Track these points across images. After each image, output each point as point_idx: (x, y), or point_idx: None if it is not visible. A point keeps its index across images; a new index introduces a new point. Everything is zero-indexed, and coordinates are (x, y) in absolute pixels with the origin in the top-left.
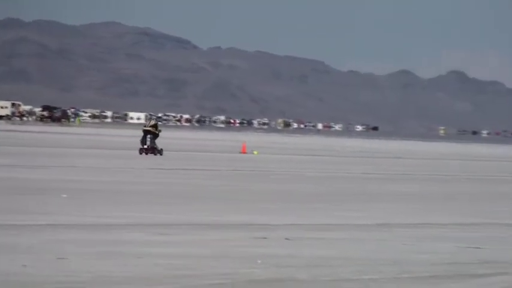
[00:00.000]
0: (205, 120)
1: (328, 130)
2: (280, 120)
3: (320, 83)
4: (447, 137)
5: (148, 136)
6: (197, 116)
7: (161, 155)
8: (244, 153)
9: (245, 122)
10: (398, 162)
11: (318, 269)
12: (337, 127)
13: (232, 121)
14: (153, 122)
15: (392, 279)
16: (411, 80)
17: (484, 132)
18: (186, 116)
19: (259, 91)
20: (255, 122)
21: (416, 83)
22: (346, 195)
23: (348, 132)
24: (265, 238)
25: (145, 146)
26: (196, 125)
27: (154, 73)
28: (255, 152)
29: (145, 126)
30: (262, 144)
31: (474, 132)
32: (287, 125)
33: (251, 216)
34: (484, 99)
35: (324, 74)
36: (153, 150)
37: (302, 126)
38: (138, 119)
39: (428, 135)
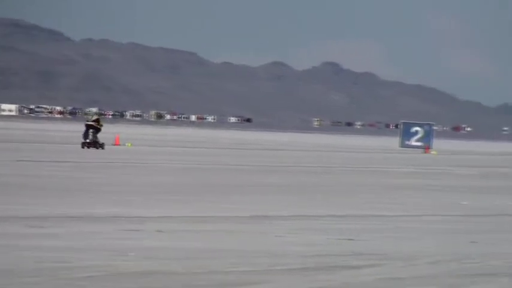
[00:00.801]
0: (77, 112)
1: (201, 122)
2: (153, 112)
3: (193, 74)
4: (321, 129)
5: (91, 130)
6: (70, 107)
7: (103, 148)
8: (117, 145)
9: (118, 113)
10: (272, 154)
11: (192, 261)
12: (211, 119)
13: (105, 113)
14: (95, 117)
15: (265, 271)
16: (285, 71)
17: (358, 124)
18: (58, 108)
19: (132, 83)
20: (127, 113)
21: (291, 75)
22: (220, 187)
23: (221, 123)
24: (137, 230)
25: (87, 140)
26: (69, 117)
27: (27, 65)
28: (128, 144)
29: (87, 121)
30: (135, 136)
31: (348, 124)
32: (160, 116)
33: (123, 209)
34: (359, 91)
35: (197, 65)
36: (95, 144)
37: (175, 117)
38: (10, 111)
39: (303, 126)
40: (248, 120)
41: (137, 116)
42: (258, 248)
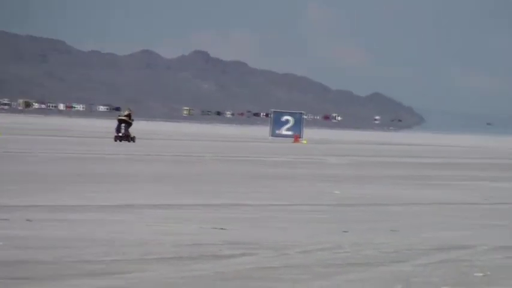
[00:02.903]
0: None
1: (70, 110)
2: (21, 101)
3: (61, 63)
4: (191, 118)
5: (123, 125)
6: None
7: (134, 141)
8: None
9: None
10: (142, 143)
11: (61, 250)
12: (80, 107)
13: None
14: (127, 112)
15: (136, 260)
16: (154, 60)
17: (228, 113)
18: None
19: (0, 71)
20: None
21: (160, 63)
22: (88, 176)
23: (90, 112)
24: (6, 219)
25: (120, 134)
26: None
27: None
28: None
29: (120, 116)
30: (3, 124)
31: (218, 113)
32: (28, 105)
33: None
34: (228, 80)
35: (65, 54)
36: (127, 137)
37: (44, 106)
38: None
39: (172, 115)
40: (117, 109)
41: (5, 104)
42: (129, 237)
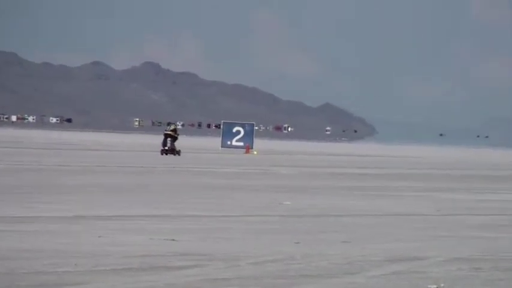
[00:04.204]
0: None
1: (22, 122)
2: None
3: (13, 75)
4: (142, 129)
5: (169, 139)
6: None
7: (179, 155)
8: None
9: None
10: (93, 154)
11: (13, 261)
12: (31, 119)
13: None
14: (172, 127)
15: (87, 271)
16: (105, 71)
17: (179, 124)
18: None
19: None
20: None
21: (110, 74)
22: (39, 187)
23: (42, 124)
24: None
25: (165, 148)
26: None
27: None
28: None
29: (166, 131)
30: None
31: (169, 124)
32: None
33: None
34: (179, 91)
35: (17, 66)
36: (173, 151)
37: None
38: None
39: (123, 126)
40: (68, 120)
41: None
42: (79, 249)
